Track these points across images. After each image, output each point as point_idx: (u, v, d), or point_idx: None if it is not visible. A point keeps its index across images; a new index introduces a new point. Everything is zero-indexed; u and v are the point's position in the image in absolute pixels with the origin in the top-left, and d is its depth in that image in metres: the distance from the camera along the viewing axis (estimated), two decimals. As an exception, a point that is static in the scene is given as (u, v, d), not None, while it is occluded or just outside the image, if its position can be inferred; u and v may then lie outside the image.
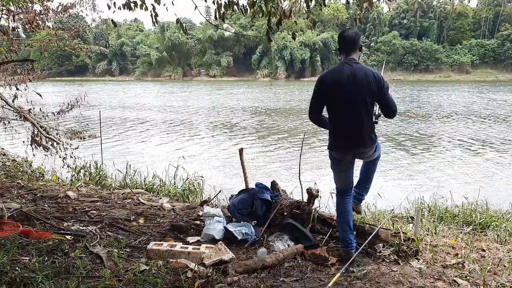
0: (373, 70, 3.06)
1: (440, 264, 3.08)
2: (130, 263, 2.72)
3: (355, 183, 3.47)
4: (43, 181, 6.26)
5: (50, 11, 6.92)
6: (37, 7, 6.82)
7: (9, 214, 3.42)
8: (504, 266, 3.18)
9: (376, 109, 3.20)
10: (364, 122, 3.07)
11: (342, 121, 3.15)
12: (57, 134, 7.38)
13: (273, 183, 4.13)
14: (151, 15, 3.46)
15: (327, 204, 4.82)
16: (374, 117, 3.19)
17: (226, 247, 3.01)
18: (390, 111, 3.13)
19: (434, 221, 4.73)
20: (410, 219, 4.91)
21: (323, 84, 3.11)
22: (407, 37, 67.42)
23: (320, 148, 11.71)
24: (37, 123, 6.88)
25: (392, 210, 4.92)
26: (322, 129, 3.41)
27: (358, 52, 3.12)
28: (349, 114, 3.07)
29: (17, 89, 6.69)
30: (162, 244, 3.00)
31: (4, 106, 6.86)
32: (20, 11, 6.48)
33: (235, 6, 3.34)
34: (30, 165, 7.41)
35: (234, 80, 63.90)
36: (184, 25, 3.70)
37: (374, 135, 3.19)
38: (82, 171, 6.93)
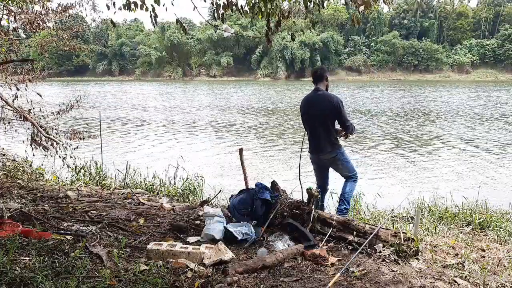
0: (330, 95, 4.18)
1: (440, 264, 3.08)
2: (130, 263, 2.72)
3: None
4: (43, 181, 6.26)
5: (50, 12, 6.92)
6: (37, 8, 6.82)
7: (9, 214, 3.42)
8: (504, 266, 3.18)
9: (338, 126, 4.28)
10: (322, 135, 4.22)
11: (309, 133, 4.37)
12: (57, 134, 7.38)
13: (273, 183, 4.13)
14: (151, 15, 3.45)
15: (327, 204, 4.83)
16: (335, 132, 4.25)
17: (226, 247, 3.01)
18: (344, 126, 4.24)
19: (434, 221, 4.73)
20: (410, 219, 4.91)
21: (300, 107, 4.39)
22: (407, 37, 67.45)
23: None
24: (37, 123, 6.87)
25: (392, 210, 4.92)
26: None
27: (325, 82, 4.30)
28: (313, 129, 4.30)
29: (17, 89, 6.68)
30: (162, 244, 2.99)
31: (4, 106, 6.85)
32: (21, 11, 6.48)
33: (234, 7, 3.34)
34: (30, 165, 7.40)
35: (234, 80, 63.88)
36: (184, 25, 3.69)
37: (333, 144, 4.23)
38: (82, 171, 6.93)
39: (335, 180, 4.78)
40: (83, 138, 7.94)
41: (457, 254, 3.35)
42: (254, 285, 2.50)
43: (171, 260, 2.77)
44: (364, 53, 66.77)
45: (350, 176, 4.42)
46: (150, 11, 3.40)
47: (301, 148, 4.72)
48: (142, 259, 2.85)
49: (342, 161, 4.33)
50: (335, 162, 4.34)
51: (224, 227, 3.46)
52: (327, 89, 4.34)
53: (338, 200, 4.54)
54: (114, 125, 17.95)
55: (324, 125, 4.19)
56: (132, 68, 74.44)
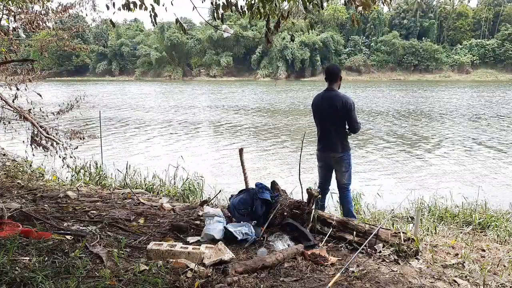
0: (344, 96, 4.15)
1: (440, 264, 3.08)
2: (130, 263, 2.72)
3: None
4: (43, 181, 6.26)
5: (50, 12, 6.92)
6: (37, 7, 6.82)
7: (9, 214, 3.42)
8: (504, 266, 3.18)
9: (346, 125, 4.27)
10: (333, 134, 4.25)
11: (320, 131, 4.38)
12: (57, 134, 7.38)
13: (273, 183, 4.13)
14: (151, 15, 3.45)
15: (327, 204, 4.83)
16: (346, 133, 4.26)
17: (226, 247, 3.01)
18: (352, 127, 4.26)
19: (434, 221, 4.73)
20: (410, 219, 4.91)
21: (312, 105, 4.42)
22: (407, 37, 67.40)
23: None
24: (37, 123, 6.87)
25: (392, 210, 4.92)
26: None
27: (338, 82, 4.29)
28: (324, 127, 4.32)
29: (17, 89, 6.68)
30: (162, 244, 2.99)
31: (4, 106, 6.85)
32: (21, 11, 6.48)
33: (233, 7, 3.33)
34: (30, 165, 7.40)
35: (234, 80, 63.87)
36: (183, 25, 3.69)
37: (343, 144, 4.26)
38: (82, 171, 6.93)
39: (336, 180, 4.77)
40: (83, 138, 7.94)
41: (457, 254, 3.35)
42: (254, 285, 2.50)
43: (171, 260, 2.77)
44: (364, 53, 66.72)
45: (345, 185, 4.40)
46: (150, 11, 3.40)
47: (301, 148, 4.72)
48: (142, 259, 2.85)
49: (346, 164, 4.32)
50: (340, 163, 4.32)
51: (224, 227, 3.46)
52: (338, 89, 4.31)
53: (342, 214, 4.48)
54: (114, 125, 17.95)
55: (335, 125, 4.22)
56: (132, 68, 74.37)
